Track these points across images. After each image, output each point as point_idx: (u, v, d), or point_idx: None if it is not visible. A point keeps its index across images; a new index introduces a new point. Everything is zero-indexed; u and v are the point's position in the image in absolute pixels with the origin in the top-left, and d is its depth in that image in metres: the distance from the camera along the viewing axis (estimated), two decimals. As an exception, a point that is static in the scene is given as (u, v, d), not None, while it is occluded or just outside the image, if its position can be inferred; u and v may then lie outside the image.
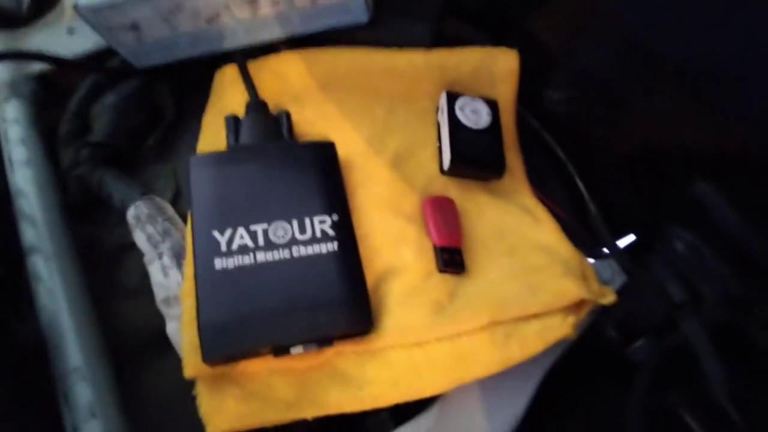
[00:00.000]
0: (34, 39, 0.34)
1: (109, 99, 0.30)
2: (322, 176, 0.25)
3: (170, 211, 0.27)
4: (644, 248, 0.27)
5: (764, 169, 0.21)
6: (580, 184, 0.30)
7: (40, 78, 0.32)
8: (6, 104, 0.30)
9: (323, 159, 0.26)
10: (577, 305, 0.23)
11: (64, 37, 0.33)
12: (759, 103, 0.20)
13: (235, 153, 0.26)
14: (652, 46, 0.23)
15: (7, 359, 0.23)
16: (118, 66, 0.31)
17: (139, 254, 0.27)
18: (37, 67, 0.32)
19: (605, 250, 0.28)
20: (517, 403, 0.22)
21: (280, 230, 0.23)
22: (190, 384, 0.22)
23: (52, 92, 0.32)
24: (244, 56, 0.30)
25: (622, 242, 0.29)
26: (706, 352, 0.21)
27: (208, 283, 0.22)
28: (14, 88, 0.31)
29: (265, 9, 0.28)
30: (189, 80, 0.32)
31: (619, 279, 0.25)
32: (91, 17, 0.27)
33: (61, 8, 0.35)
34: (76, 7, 0.26)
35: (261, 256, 0.23)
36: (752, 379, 0.22)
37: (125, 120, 0.30)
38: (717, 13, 0.20)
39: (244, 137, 0.26)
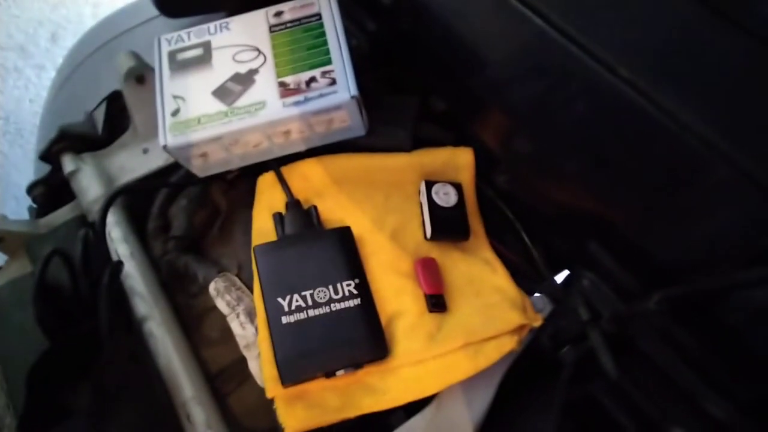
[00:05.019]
0: (116, 159, 0.45)
1: (182, 202, 0.42)
2: (345, 252, 0.37)
3: (239, 282, 0.39)
4: (568, 281, 0.39)
5: (630, 234, 0.33)
6: (524, 236, 0.42)
7: (127, 188, 0.43)
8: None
9: (344, 240, 0.38)
10: (520, 328, 0.35)
11: (141, 156, 0.44)
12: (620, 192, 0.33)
13: (283, 241, 0.37)
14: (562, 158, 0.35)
15: (149, 395, 0.34)
16: (185, 177, 0.43)
17: (217, 315, 0.39)
18: (124, 180, 0.44)
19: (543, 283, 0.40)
20: (485, 395, 0.34)
21: (321, 293, 0.35)
22: (267, 401, 0.34)
23: (137, 197, 0.43)
24: (277, 164, 0.42)
25: (559, 276, 0.41)
26: (602, 350, 0.33)
27: (279, 334, 0.33)
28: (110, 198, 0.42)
29: (295, 135, 0.39)
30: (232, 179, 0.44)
31: (549, 307, 0.37)
32: (175, 152, 0.38)
33: (132, 131, 0.46)
34: (165, 147, 0.38)
35: (311, 312, 0.34)
36: (638, 367, 0.34)
37: (194, 217, 0.42)
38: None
39: (288, 228, 0.38)
